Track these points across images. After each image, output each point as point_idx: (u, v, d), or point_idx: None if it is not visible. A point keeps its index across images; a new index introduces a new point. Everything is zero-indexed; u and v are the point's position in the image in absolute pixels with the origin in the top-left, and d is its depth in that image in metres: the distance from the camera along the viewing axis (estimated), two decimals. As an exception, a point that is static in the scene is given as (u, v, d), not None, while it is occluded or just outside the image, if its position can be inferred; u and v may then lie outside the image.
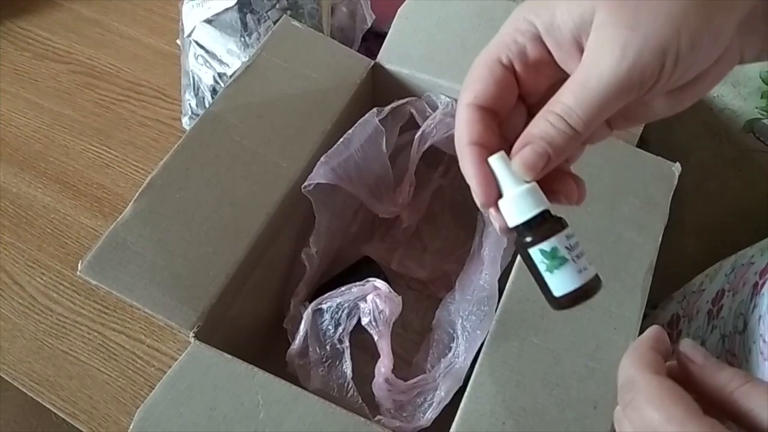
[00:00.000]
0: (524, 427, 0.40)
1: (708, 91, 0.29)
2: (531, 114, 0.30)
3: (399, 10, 0.60)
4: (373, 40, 0.73)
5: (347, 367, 0.48)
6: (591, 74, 0.26)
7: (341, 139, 0.51)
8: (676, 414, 0.24)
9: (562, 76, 0.29)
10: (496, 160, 0.29)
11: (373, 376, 0.47)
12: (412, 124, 0.55)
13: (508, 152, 0.29)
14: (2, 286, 0.63)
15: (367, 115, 0.53)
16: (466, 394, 0.42)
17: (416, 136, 0.54)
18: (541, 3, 0.29)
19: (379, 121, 0.53)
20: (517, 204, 0.29)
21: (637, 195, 0.50)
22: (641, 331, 0.30)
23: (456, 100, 0.46)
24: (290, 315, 0.52)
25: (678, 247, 0.63)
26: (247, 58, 0.55)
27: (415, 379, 0.47)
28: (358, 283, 0.48)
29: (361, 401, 0.47)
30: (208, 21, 0.64)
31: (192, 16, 0.65)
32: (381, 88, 0.58)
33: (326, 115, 0.53)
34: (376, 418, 0.45)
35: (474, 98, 0.30)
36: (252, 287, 0.49)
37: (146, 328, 0.61)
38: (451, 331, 0.51)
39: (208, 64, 0.66)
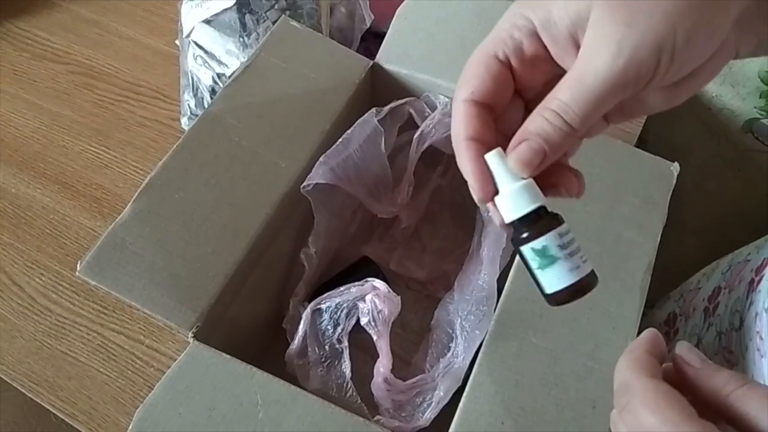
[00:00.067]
0: (523, 426, 0.40)
1: (704, 85, 0.29)
2: (528, 109, 0.30)
3: (398, 10, 0.60)
4: (372, 40, 0.73)
5: (346, 367, 0.48)
6: (587, 70, 0.26)
7: (340, 139, 0.51)
8: (671, 417, 0.24)
9: (558, 72, 0.29)
10: (492, 157, 0.29)
11: (372, 376, 0.47)
12: (411, 124, 0.55)
13: (506, 147, 0.29)
14: (1, 287, 0.63)
15: (366, 115, 0.53)
16: (465, 393, 0.42)
17: (415, 136, 0.54)
18: None
19: (378, 121, 0.53)
20: (512, 200, 0.29)
21: (636, 195, 0.50)
22: (640, 331, 0.30)
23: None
24: (289, 315, 0.52)
25: (677, 247, 0.63)
26: (246, 59, 0.55)
27: (414, 379, 0.47)
28: (356, 283, 0.48)
29: (360, 401, 0.47)
30: (207, 21, 0.64)
31: (191, 17, 0.65)
32: (380, 88, 0.58)
33: (325, 115, 0.53)
34: (375, 418, 0.45)
35: (470, 94, 0.30)
36: (251, 287, 0.49)
37: (145, 329, 0.61)
38: (450, 331, 0.51)
39: (207, 65, 0.66)
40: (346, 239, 0.60)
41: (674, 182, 0.51)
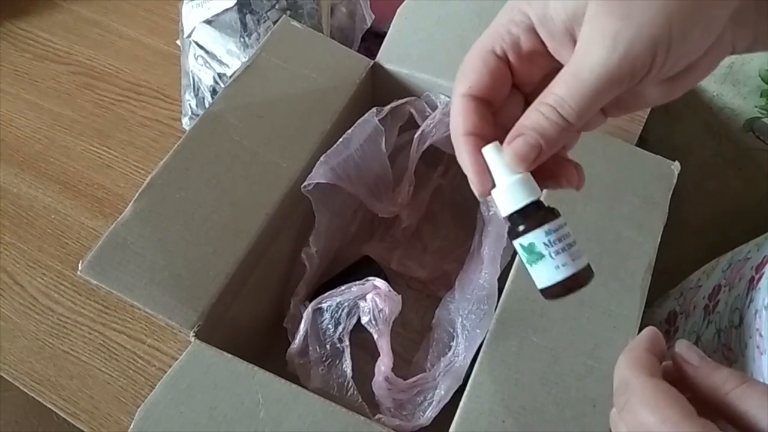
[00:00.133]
0: (523, 425, 0.40)
1: (700, 80, 0.29)
2: (527, 103, 0.30)
3: (398, 9, 0.60)
4: (372, 40, 0.73)
5: (347, 366, 0.48)
6: (583, 65, 0.26)
7: (341, 139, 0.51)
8: (670, 416, 0.24)
9: (556, 66, 0.29)
10: (489, 151, 0.29)
11: (373, 375, 0.47)
12: (412, 124, 0.55)
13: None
14: (3, 287, 0.63)
15: (366, 114, 0.53)
16: (465, 392, 0.42)
17: (416, 136, 0.54)
18: None
19: (379, 120, 0.53)
20: (507, 194, 0.29)
21: (636, 194, 0.50)
22: (641, 330, 0.30)
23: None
24: (290, 314, 0.52)
25: (678, 247, 0.63)
26: (246, 59, 0.55)
27: (414, 378, 0.47)
28: (357, 282, 0.48)
29: (361, 400, 0.47)
30: (208, 21, 0.64)
31: (192, 17, 0.65)
32: (380, 88, 0.58)
33: (326, 115, 0.53)
34: (376, 417, 0.45)
35: (468, 89, 0.30)
36: (252, 287, 0.49)
37: (147, 328, 0.61)
38: (451, 330, 0.51)
39: (207, 65, 0.66)
40: (346, 239, 0.61)
41: (675, 181, 0.51)
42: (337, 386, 0.48)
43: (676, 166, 0.51)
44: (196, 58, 0.66)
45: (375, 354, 0.47)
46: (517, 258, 0.47)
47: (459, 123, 0.30)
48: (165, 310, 0.43)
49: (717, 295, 0.54)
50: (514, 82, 0.31)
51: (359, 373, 0.48)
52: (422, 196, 0.62)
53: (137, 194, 0.47)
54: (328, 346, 0.49)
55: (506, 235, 0.42)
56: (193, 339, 0.43)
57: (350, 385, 0.48)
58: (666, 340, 0.29)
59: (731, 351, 0.48)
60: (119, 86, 0.77)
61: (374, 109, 0.53)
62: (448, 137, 0.52)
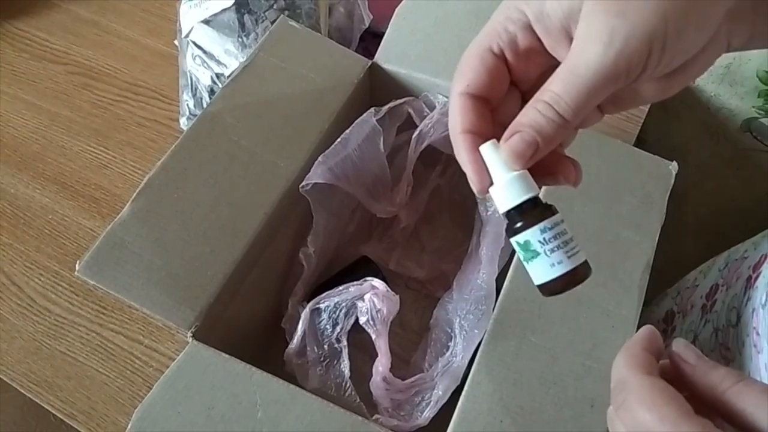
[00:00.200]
0: (522, 425, 0.40)
1: (697, 76, 0.29)
2: (525, 100, 0.30)
3: (396, 10, 0.60)
4: (370, 40, 0.73)
5: (345, 366, 0.48)
6: (579, 62, 0.26)
7: (339, 139, 0.51)
8: (668, 414, 0.24)
9: (553, 64, 0.29)
10: (487, 148, 0.29)
11: (371, 375, 0.47)
12: (410, 124, 0.55)
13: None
14: (0, 287, 0.63)
15: (364, 114, 0.53)
16: (463, 392, 0.42)
17: (414, 136, 0.54)
18: None
19: (377, 120, 0.53)
20: (504, 191, 0.29)
21: (634, 194, 0.50)
22: (638, 330, 0.30)
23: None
24: (288, 314, 0.52)
25: (676, 247, 0.63)
26: (244, 59, 0.55)
27: (412, 378, 0.47)
28: (355, 282, 0.48)
29: (359, 400, 0.47)
30: (206, 21, 0.64)
31: (189, 17, 0.65)
32: (378, 88, 0.58)
33: (324, 115, 0.53)
34: (374, 417, 0.45)
35: (466, 87, 0.30)
36: (250, 287, 0.49)
37: (144, 329, 0.61)
38: (449, 331, 0.51)
39: (205, 65, 0.66)
40: (344, 239, 0.60)
41: (672, 181, 0.51)
42: (334, 386, 0.48)
43: (674, 167, 0.51)
44: (194, 58, 0.66)
45: (373, 354, 0.47)
46: (515, 258, 0.47)
47: (457, 121, 0.30)
48: (162, 311, 0.43)
49: (714, 294, 0.54)
50: (512, 80, 0.31)
51: (357, 374, 0.48)
52: (420, 196, 0.62)
53: (135, 194, 0.47)
54: (325, 347, 0.48)
55: (504, 233, 0.43)
56: (190, 339, 0.43)
57: (348, 385, 0.47)
58: (663, 339, 0.29)
59: (728, 350, 0.48)
60: (117, 86, 0.77)
61: (372, 109, 0.53)
62: (447, 137, 0.52)
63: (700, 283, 0.58)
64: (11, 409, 1.18)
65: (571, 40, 0.28)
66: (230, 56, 0.65)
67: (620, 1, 0.26)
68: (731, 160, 0.72)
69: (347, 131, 0.51)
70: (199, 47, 0.66)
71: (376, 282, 0.48)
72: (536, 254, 0.29)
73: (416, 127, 0.54)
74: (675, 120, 0.74)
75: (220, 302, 0.45)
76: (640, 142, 0.69)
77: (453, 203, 0.64)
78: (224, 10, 0.63)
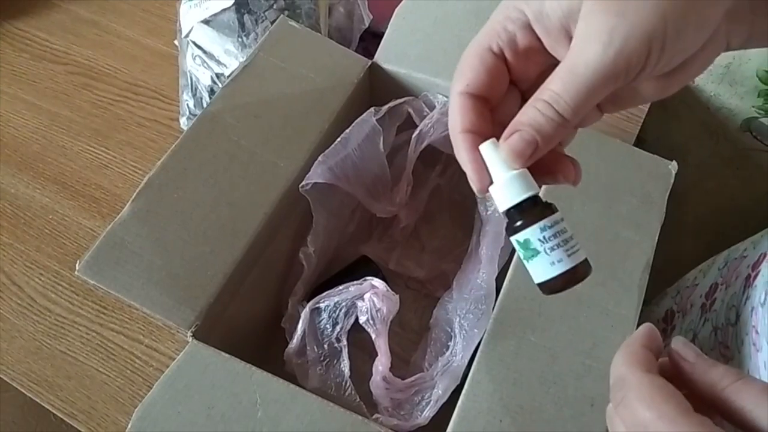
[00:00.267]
0: (521, 424, 0.40)
1: (696, 75, 0.29)
2: (524, 99, 0.30)
3: (396, 10, 0.60)
4: (370, 40, 0.74)
5: (345, 365, 0.48)
6: (578, 61, 0.27)
7: (338, 139, 0.51)
8: (667, 412, 0.24)
9: (552, 63, 0.29)
10: (487, 147, 0.29)
11: (371, 375, 0.47)
12: (410, 124, 0.55)
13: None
14: (1, 287, 0.63)
15: (364, 114, 0.53)
16: (463, 392, 0.42)
17: (413, 136, 0.54)
18: None
19: (377, 120, 0.53)
20: (504, 190, 0.29)
21: (634, 194, 0.50)
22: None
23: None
24: (288, 314, 0.52)
25: (676, 246, 0.64)
26: (244, 59, 0.55)
27: (412, 378, 0.47)
28: (355, 282, 0.48)
29: (358, 400, 0.47)
30: (206, 21, 0.64)
31: (189, 17, 0.65)
32: (378, 88, 0.58)
33: (324, 115, 0.53)
34: (374, 417, 0.45)
35: (466, 86, 0.30)
36: (250, 287, 0.49)
37: (144, 328, 0.61)
38: (449, 330, 0.51)
39: (205, 65, 0.66)
40: (344, 239, 0.60)
41: (672, 181, 0.51)
42: (334, 386, 0.48)
43: (673, 166, 0.52)
44: (194, 58, 0.66)
45: (373, 354, 0.47)
46: (514, 257, 0.47)
47: (457, 121, 0.30)
48: (162, 310, 0.43)
49: (714, 293, 0.54)
50: (511, 79, 0.31)
51: (357, 373, 0.48)
52: (420, 195, 0.62)
53: (135, 194, 0.47)
54: (325, 346, 0.48)
55: (504, 232, 0.43)
56: (190, 339, 0.43)
57: (348, 384, 0.48)
58: (663, 338, 0.29)
59: (728, 348, 0.48)
60: (117, 86, 0.77)
61: (372, 109, 0.53)
62: (446, 137, 0.52)
63: (699, 282, 0.59)
64: (11, 408, 1.19)
65: (570, 39, 0.28)
66: (230, 56, 0.65)
67: (619, 1, 0.26)
68: (731, 159, 0.72)
69: (347, 131, 0.51)
70: (199, 47, 0.66)
71: (376, 281, 0.48)
72: (536, 253, 0.29)
73: (416, 126, 0.54)
74: (675, 119, 0.74)
75: (220, 302, 0.45)
76: (640, 142, 0.69)
77: (453, 203, 0.64)
78: (224, 10, 0.63)
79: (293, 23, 0.57)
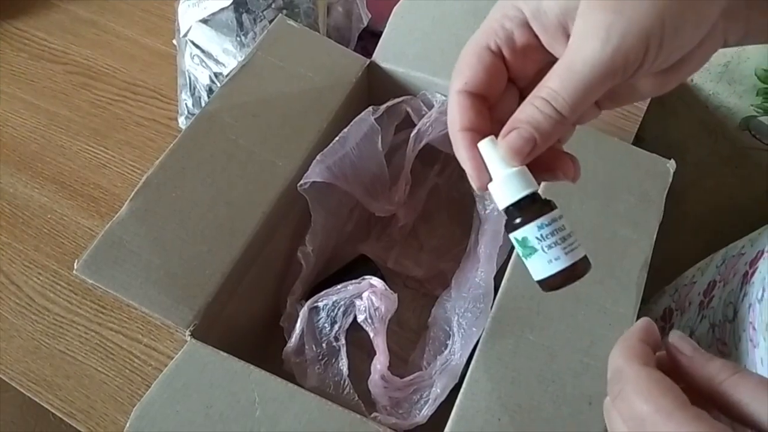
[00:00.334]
0: (520, 423, 0.40)
1: (693, 72, 0.29)
2: (523, 96, 0.30)
3: (394, 9, 0.60)
4: (369, 39, 0.74)
5: (343, 364, 0.48)
6: (576, 58, 0.27)
7: (337, 138, 0.51)
8: (664, 405, 0.24)
9: (550, 60, 0.29)
10: (485, 145, 0.29)
11: (370, 374, 0.47)
12: (408, 123, 0.55)
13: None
14: (-1, 287, 0.63)
15: (362, 113, 0.53)
16: (461, 390, 0.42)
17: (412, 135, 0.54)
18: None
19: (375, 119, 0.53)
20: (502, 187, 0.29)
21: (632, 192, 0.50)
22: (635, 326, 0.30)
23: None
24: (286, 313, 0.52)
25: (674, 245, 0.64)
26: (243, 58, 0.55)
27: (411, 376, 0.47)
28: (353, 280, 0.48)
29: (357, 398, 0.47)
30: (204, 21, 0.64)
31: (188, 16, 0.65)
32: (377, 87, 0.58)
33: (322, 114, 0.53)
34: (372, 415, 0.45)
35: (464, 85, 0.30)
36: (248, 286, 0.49)
37: (143, 328, 0.61)
38: (447, 329, 0.51)
39: (204, 64, 0.66)
40: (343, 238, 0.61)
41: (670, 180, 0.51)
42: (333, 385, 0.48)
43: (671, 165, 0.52)
44: (193, 58, 0.66)
45: (371, 352, 0.47)
46: (513, 256, 0.47)
47: (456, 119, 0.30)
48: (161, 309, 0.43)
49: (712, 290, 0.54)
50: (510, 77, 0.31)
51: (355, 372, 0.48)
52: (419, 194, 0.62)
53: (133, 193, 0.47)
54: (324, 345, 0.48)
55: (503, 230, 0.42)
56: (189, 338, 0.43)
57: (346, 383, 0.48)
58: (661, 336, 0.29)
59: (725, 345, 0.48)
60: (116, 86, 0.77)
61: (370, 108, 0.53)
62: (445, 136, 0.52)
63: (697, 280, 0.59)
64: (10, 408, 1.19)
65: (567, 37, 0.28)
66: (228, 55, 0.65)
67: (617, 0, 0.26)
68: (730, 158, 0.72)
69: (345, 130, 0.51)
70: (197, 46, 0.66)
71: (374, 280, 0.48)
72: (534, 250, 0.29)
73: (414, 125, 0.54)
74: (673, 118, 0.74)
75: (219, 301, 0.45)
76: (639, 141, 0.69)
77: (451, 202, 0.64)
78: (222, 9, 0.63)
79: (291, 22, 0.57)
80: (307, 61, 0.55)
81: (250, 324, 0.53)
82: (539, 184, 0.30)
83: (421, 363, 0.51)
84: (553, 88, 0.27)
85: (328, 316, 0.48)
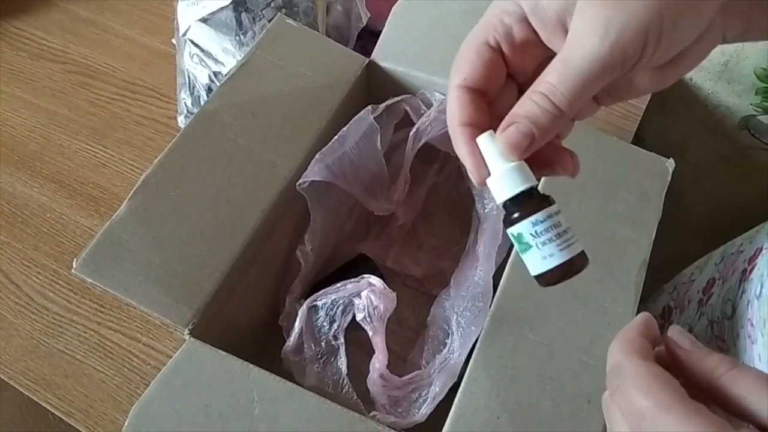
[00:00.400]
0: (518, 421, 0.40)
1: (692, 68, 0.30)
2: (522, 92, 0.31)
3: (393, 8, 0.60)
4: (368, 39, 0.73)
5: (342, 363, 0.48)
6: (574, 53, 0.27)
7: (336, 137, 0.51)
8: (663, 399, 0.24)
9: (549, 55, 0.29)
10: (484, 139, 0.29)
11: (368, 373, 0.47)
12: (407, 122, 0.55)
13: None
14: (-2, 286, 0.63)
15: (361, 112, 0.53)
16: (460, 389, 0.42)
17: (411, 134, 0.54)
18: None
19: (374, 118, 0.53)
20: (500, 182, 0.29)
21: (631, 191, 0.50)
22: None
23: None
24: (285, 312, 0.52)
25: (673, 244, 0.64)
26: (242, 57, 0.55)
27: (410, 375, 0.47)
28: (352, 279, 0.48)
29: (356, 397, 0.47)
30: (203, 20, 0.64)
31: (187, 15, 0.65)
32: (376, 86, 0.58)
33: (321, 113, 0.53)
34: (371, 414, 0.45)
35: (463, 80, 0.30)
36: (247, 285, 0.49)
37: (142, 327, 0.61)
38: (446, 328, 0.51)
39: (203, 63, 0.66)
40: (342, 237, 0.61)
41: (669, 179, 0.51)
42: (332, 383, 0.48)
43: (670, 164, 0.52)
44: (192, 57, 0.66)
45: (370, 351, 0.47)
46: (512, 255, 0.47)
47: (455, 114, 0.30)
48: (160, 308, 0.43)
49: (710, 288, 0.54)
50: (508, 72, 0.31)
51: (354, 371, 0.48)
52: (418, 193, 0.62)
53: (132, 192, 0.47)
54: (323, 344, 0.49)
55: (501, 229, 0.42)
56: (188, 337, 0.43)
57: (345, 382, 0.48)
58: (660, 334, 0.29)
59: (724, 342, 0.49)
60: (115, 85, 0.77)
61: (369, 107, 0.53)
62: (444, 135, 0.52)
63: (696, 278, 0.59)
64: (10, 407, 1.19)
65: (566, 32, 0.28)
66: (228, 54, 0.65)
67: None
68: (729, 157, 0.72)
69: (344, 129, 0.51)
70: (196, 45, 0.66)
71: (373, 279, 0.48)
72: (529, 246, 0.29)
73: (413, 124, 0.54)
74: (672, 117, 0.74)
75: (218, 300, 0.45)
76: (638, 140, 0.69)
77: (450, 201, 0.64)
78: (222, 8, 0.63)
79: (291, 21, 0.57)
80: (306, 60, 0.55)
81: (249, 323, 0.53)
82: (538, 179, 0.30)
83: (420, 362, 0.51)
84: (552, 82, 0.27)
85: (327, 314, 0.48)
